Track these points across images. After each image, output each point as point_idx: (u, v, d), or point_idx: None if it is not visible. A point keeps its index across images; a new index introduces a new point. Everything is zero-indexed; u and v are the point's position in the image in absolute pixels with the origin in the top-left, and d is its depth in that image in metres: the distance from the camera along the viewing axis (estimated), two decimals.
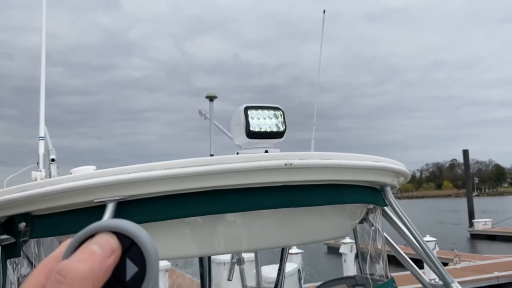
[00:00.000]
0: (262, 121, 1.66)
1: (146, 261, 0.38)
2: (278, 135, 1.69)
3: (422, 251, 1.80)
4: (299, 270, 8.28)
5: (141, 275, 0.38)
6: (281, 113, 1.70)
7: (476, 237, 27.35)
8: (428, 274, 5.54)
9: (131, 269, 0.38)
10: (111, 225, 0.39)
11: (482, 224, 28.00)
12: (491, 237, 26.43)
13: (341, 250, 11.36)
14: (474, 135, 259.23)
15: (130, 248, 0.39)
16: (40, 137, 2.07)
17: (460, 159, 39.72)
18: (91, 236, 0.39)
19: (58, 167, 2.18)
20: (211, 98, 3.14)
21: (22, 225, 1.45)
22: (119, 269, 0.38)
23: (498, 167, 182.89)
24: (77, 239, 0.39)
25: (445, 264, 13.63)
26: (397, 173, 1.75)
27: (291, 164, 1.37)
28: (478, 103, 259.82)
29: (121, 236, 0.39)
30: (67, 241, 0.40)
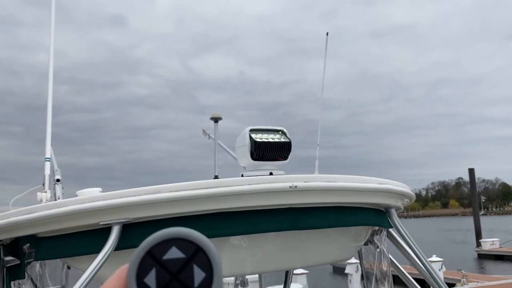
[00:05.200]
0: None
1: (213, 266, 0.39)
2: (282, 157, 1.70)
3: (427, 273, 1.79)
4: None
5: (209, 281, 0.38)
6: (285, 135, 1.71)
7: (484, 257, 26.91)
8: None
9: (198, 275, 0.38)
10: (175, 233, 0.39)
11: (489, 243, 27.60)
12: (499, 257, 26.01)
13: (347, 271, 11.23)
14: (480, 153, 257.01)
15: (195, 255, 0.39)
16: (46, 158, 2.09)
17: (466, 178, 39.39)
18: (158, 244, 0.38)
19: (63, 188, 2.20)
20: (215, 120, 3.15)
21: (27, 246, 1.45)
22: (186, 276, 0.38)
23: (505, 186, 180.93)
24: (143, 249, 0.38)
25: (452, 285, 13.39)
26: (401, 195, 1.75)
27: (296, 186, 1.37)
28: (484, 120, 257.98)
29: (186, 243, 0.39)
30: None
